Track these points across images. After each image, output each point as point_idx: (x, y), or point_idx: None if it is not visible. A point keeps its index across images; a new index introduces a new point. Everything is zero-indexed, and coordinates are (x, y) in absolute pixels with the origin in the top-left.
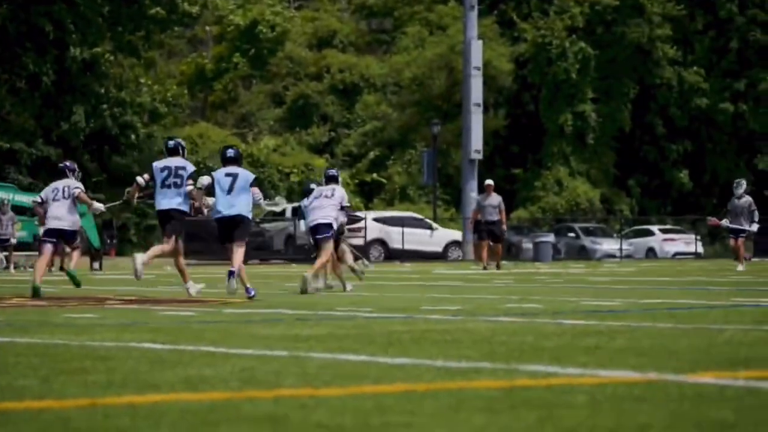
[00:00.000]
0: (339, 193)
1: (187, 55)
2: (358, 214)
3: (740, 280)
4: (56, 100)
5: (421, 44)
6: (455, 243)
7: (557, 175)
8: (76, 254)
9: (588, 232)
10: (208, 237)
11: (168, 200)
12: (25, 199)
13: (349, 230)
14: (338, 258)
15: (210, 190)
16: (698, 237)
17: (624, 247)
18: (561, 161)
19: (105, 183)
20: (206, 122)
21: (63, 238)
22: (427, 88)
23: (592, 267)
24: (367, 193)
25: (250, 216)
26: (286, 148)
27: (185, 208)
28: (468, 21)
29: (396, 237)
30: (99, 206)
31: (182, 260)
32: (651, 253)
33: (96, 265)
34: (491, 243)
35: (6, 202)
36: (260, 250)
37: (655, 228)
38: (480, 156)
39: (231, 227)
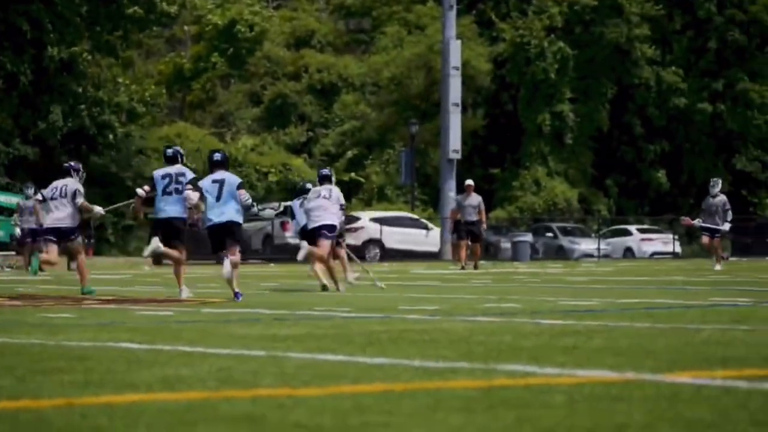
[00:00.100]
0: (336, 193)
1: (165, 55)
2: (357, 215)
3: (718, 280)
4: (34, 99)
5: (399, 44)
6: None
7: (535, 175)
8: (55, 249)
9: (566, 232)
10: (192, 238)
11: (170, 207)
12: (2, 198)
13: (345, 230)
14: (334, 256)
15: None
16: (676, 237)
17: (602, 246)
18: (539, 161)
19: (83, 182)
20: (184, 122)
21: (61, 235)
22: (406, 87)
23: (570, 267)
24: (345, 193)
25: (241, 221)
26: (264, 148)
27: (185, 215)
28: (446, 21)
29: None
30: (99, 210)
31: (183, 269)
32: (629, 252)
33: (73, 265)
34: (470, 243)
35: None
36: None
37: (632, 228)
38: (458, 156)
39: (222, 234)
